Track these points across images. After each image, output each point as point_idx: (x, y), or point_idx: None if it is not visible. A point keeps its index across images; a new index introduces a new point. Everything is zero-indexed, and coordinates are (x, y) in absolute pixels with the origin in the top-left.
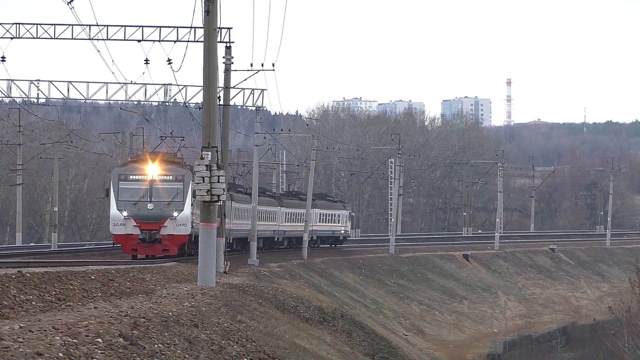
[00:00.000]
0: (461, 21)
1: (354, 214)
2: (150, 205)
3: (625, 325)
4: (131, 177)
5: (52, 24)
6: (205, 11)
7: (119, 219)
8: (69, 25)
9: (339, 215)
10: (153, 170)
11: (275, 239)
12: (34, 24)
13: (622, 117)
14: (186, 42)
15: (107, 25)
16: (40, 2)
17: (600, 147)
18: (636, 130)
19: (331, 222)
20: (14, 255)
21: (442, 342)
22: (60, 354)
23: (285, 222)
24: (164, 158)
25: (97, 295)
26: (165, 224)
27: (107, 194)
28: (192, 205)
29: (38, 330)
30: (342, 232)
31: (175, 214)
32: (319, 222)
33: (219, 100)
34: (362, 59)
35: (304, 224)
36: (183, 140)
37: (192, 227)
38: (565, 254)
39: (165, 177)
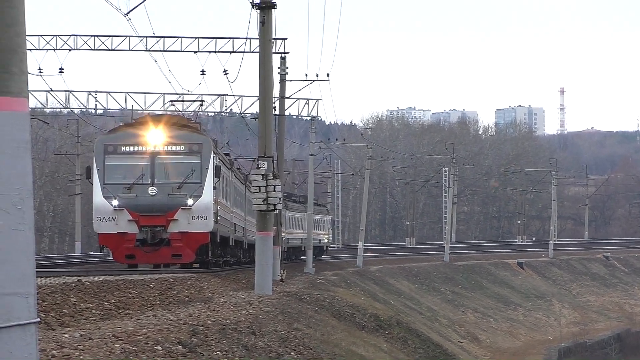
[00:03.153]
0: (515, 31)
1: (335, 219)
2: (152, 190)
3: None
4: (123, 148)
5: (109, 36)
6: (260, 22)
7: (106, 210)
8: (126, 36)
9: (323, 222)
10: (156, 137)
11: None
12: (91, 35)
13: None
14: (242, 53)
15: (164, 37)
16: (98, 14)
17: None
18: None
19: (317, 230)
20: (73, 264)
21: (497, 350)
22: None
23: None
24: (172, 121)
25: (156, 303)
26: (175, 217)
27: (89, 175)
28: (214, 189)
29: (98, 338)
30: (325, 240)
31: (189, 201)
32: (316, 229)
33: (275, 110)
34: (415, 68)
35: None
36: (202, 104)
37: (215, 222)
38: (619, 262)
39: (174, 148)
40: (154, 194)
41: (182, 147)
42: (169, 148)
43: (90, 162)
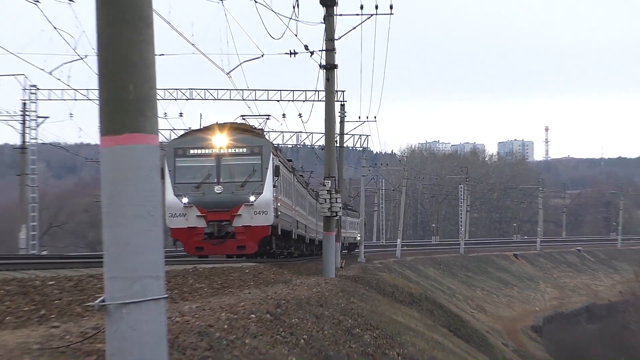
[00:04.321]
0: (513, 83)
1: (366, 221)
2: (218, 188)
3: (632, 304)
4: (192, 151)
5: (215, 89)
6: (326, 79)
7: (177, 207)
8: (228, 89)
9: (357, 223)
10: (221, 141)
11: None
12: (202, 89)
13: (630, 153)
14: (312, 101)
15: (255, 89)
16: (208, 73)
17: (614, 176)
18: None
19: (352, 229)
20: (189, 257)
21: (499, 318)
22: (225, 326)
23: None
24: (235, 126)
25: (250, 284)
26: (239, 212)
27: (162, 176)
28: (274, 186)
29: (209, 309)
30: (358, 237)
31: (251, 198)
32: (350, 229)
33: (336, 143)
34: (439, 111)
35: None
36: (269, 119)
37: (276, 217)
38: (588, 254)
39: (237, 150)
40: (219, 192)
41: (245, 150)
42: (233, 150)
43: (162, 163)
